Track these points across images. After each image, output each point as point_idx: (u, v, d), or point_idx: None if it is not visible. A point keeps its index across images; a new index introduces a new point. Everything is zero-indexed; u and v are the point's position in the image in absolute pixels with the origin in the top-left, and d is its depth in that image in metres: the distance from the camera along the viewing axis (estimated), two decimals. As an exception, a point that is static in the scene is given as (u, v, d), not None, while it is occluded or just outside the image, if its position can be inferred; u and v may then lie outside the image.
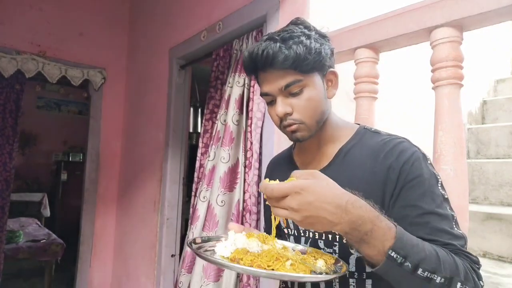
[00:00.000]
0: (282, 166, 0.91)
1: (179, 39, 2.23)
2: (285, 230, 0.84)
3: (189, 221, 1.76)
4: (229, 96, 1.63)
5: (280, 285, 0.90)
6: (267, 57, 0.70)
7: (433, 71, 0.93)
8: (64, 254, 3.25)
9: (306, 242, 0.78)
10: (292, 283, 0.82)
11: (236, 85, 1.60)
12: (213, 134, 1.68)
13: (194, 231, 1.63)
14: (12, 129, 2.62)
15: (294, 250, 0.70)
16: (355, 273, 0.73)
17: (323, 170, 0.74)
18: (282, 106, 0.73)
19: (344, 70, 1.24)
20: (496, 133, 2.21)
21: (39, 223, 4.07)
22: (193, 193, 1.83)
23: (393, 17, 1.02)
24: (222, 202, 1.54)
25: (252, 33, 1.61)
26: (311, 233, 0.78)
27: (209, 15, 1.96)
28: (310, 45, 0.71)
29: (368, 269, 0.72)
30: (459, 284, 0.57)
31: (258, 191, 1.46)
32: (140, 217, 2.56)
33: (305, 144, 0.81)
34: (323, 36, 0.76)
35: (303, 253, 0.68)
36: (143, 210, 2.52)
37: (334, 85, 0.79)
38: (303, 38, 0.71)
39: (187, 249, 1.64)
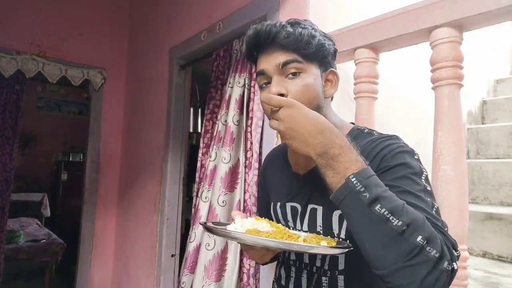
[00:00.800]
0: (277, 164, 0.92)
1: (179, 39, 2.23)
2: None
3: (191, 221, 1.76)
4: (230, 96, 1.63)
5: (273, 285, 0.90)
6: (269, 32, 0.71)
7: (433, 71, 0.93)
8: (64, 254, 3.25)
9: None
10: (287, 280, 0.83)
11: (236, 85, 1.60)
12: (214, 134, 1.68)
13: (196, 232, 1.63)
14: (12, 129, 2.62)
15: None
16: (328, 271, 0.73)
17: (314, 170, 0.73)
18: (276, 85, 0.70)
19: (346, 70, 1.25)
20: (495, 133, 2.22)
21: (39, 223, 4.07)
22: (194, 194, 1.83)
23: (393, 17, 1.03)
24: (223, 202, 1.54)
25: (252, 33, 1.61)
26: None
27: (209, 15, 1.96)
28: (314, 33, 0.73)
29: (340, 267, 0.72)
30: (419, 237, 0.51)
31: (258, 191, 1.46)
32: (140, 217, 2.56)
33: None
34: (328, 37, 0.78)
35: None
36: (143, 210, 2.52)
37: (333, 85, 0.79)
38: (309, 27, 0.73)
39: (189, 250, 1.64)
